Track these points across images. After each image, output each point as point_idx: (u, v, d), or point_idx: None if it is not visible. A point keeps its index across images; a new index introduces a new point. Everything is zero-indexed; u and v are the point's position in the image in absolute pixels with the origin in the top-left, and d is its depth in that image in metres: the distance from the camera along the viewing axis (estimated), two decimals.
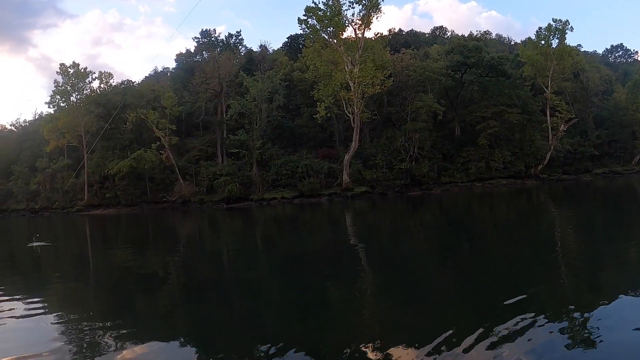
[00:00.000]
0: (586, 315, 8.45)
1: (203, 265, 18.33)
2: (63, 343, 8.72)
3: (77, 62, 72.28)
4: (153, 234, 34.86)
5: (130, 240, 30.65)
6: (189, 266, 18.30)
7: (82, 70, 71.06)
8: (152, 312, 11.29)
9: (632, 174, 64.67)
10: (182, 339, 8.82)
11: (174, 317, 10.83)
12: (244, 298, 12.27)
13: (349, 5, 52.03)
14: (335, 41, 52.92)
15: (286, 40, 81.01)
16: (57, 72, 71.07)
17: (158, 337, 8.97)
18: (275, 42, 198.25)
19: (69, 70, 70.42)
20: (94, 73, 71.87)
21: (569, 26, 60.89)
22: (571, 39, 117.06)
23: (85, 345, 8.63)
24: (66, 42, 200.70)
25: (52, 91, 71.71)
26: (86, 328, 9.83)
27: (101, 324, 10.06)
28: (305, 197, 51.78)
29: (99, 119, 66.43)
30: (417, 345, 7.60)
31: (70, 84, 70.53)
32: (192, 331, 9.58)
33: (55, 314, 11.08)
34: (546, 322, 8.26)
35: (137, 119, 59.68)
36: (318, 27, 53.03)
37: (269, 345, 8.13)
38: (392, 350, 7.47)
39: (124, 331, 9.40)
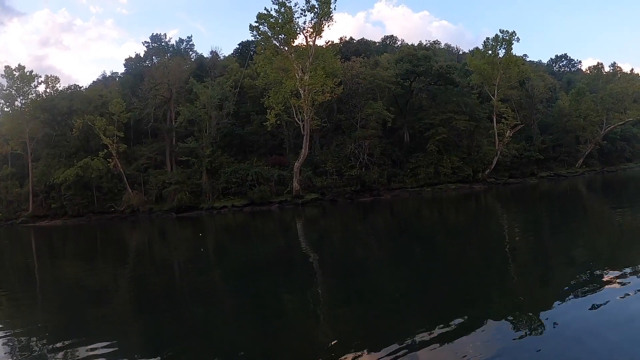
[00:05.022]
0: (535, 314, 8.93)
1: (154, 276, 18.16)
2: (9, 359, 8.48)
3: (22, 63, 69.43)
4: (101, 246, 34.14)
5: (78, 253, 29.93)
6: (139, 278, 18.11)
7: (28, 74, 68.06)
8: (103, 325, 11.15)
9: (576, 176, 67.81)
10: (134, 352, 8.74)
11: (126, 330, 10.74)
12: (197, 309, 12.25)
13: (301, 13, 52.18)
14: (287, 48, 52.95)
15: (237, 46, 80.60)
16: (1, 75, 68.02)
17: (109, 351, 8.82)
18: (227, 49, 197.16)
19: (14, 73, 67.25)
20: (40, 77, 68.81)
21: (516, 37, 63.25)
22: (517, 49, 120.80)
23: None
24: (12, 42, 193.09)
25: None
26: (34, 344, 9.62)
27: (49, 339, 9.87)
28: (255, 204, 51.52)
29: (45, 125, 64.00)
30: (372, 350, 7.78)
31: (15, 88, 67.50)
32: (144, 344, 9.48)
33: (1, 331, 10.76)
34: (498, 321, 8.64)
35: (84, 125, 57.82)
36: (270, 34, 52.88)
37: (224, 355, 8.12)
38: (347, 357, 7.61)
39: (74, 347, 9.23)
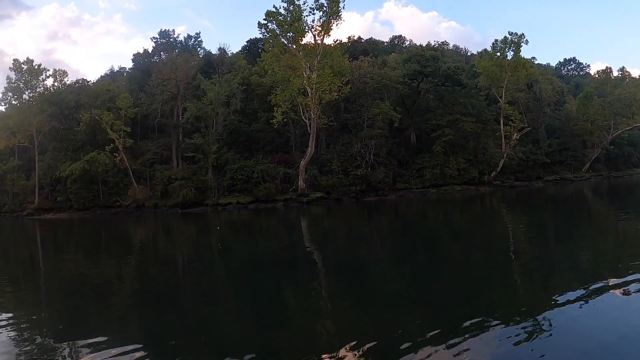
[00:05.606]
0: (538, 316, 8.86)
1: (158, 272, 18.19)
2: (13, 353, 8.50)
3: (31, 57, 69.95)
4: (106, 240, 34.12)
5: (83, 247, 29.96)
6: (144, 273, 18.13)
7: (36, 67, 68.45)
8: (106, 320, 11.14)
9: (583, 180, 67.43)
10: (137, 348, 8.67)
11: (129, 325, 10.73)
12: (200, 304, 12.24)
13: (310, 12, 52.16)
14: (295, 46, 52.95)
15: (245, 44, 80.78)
16: (10, 68, 68.31)
17: (112, 346, 8.79)
18: (235, 46, 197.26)
19: (23, 66, 67.61)
20: (48, 70, 69.38)
21: (524, 39, 62.96)
22: (526, 52, 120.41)
23: (36, 356, 8.45)
24: (21, 36, 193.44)
25: (4, 88, 69.00)
26: (36, 336, 9.65)
27: (53, 334, 9.88)
28: (260, 202, 51.50)
29: (52, 119, 64.43)
30: (374, 350, 7.76)
31: (23, 81, 67.83)
32: (147, 339, 9.45)
33: (5, 323, 10.73)
34: (500, 324, 8.60)
35: (91, 119, 58.01)
36: (278, 31, 52.96)
37: (226, 351, 8.13)
38: (349, 356, 7.59)
39: (77, 341, 9.23)
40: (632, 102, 73.00)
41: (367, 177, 54.47)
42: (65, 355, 8.41)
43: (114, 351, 8.41)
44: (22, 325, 10.59)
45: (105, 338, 9.28)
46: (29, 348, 8.80)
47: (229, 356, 8.00)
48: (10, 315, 11.55)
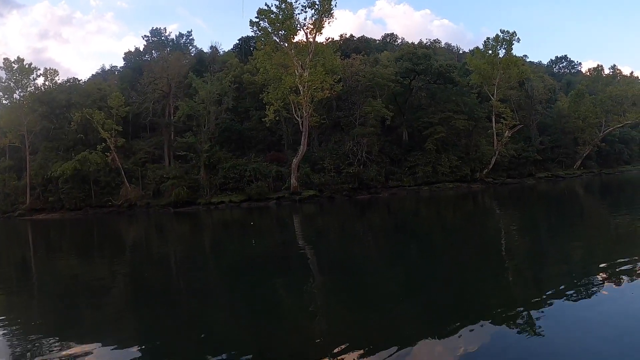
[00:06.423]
0: (531, 313, 8.88)
1: (151, 271, 18.08)
2: (5, 354, 8.46)
3: (21, 56, 69.58)
4: (98, 240, 33.85)
5: (76, 247, 29.74)
6: (136, 273, 18.03)
7: (27, 66, 67.86)
8: (99, 319, 11.08)
9: (574, 177, 67.78)
10: (130, 348, 8.66)
11: (122, 325, 10.66)
12: (194, 304, 12.19)
13: (302, 9, 52.19)
14: (287, 44, 52.85)
15: (237, 42, 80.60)
16: (0, 67, 68.02)
17: (106, 345, 8.78)
18: (227, 44, 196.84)
19: (13, 65, 67.03)
20: (39, 69, 68.71)
21: (516, 37, 63.24)
22: (517, 50, 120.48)
23: (29, 355, 8.42)
24: (11, 34, 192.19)
25: None
26: (31, 337, 9.56)
27: (46, 334, 9.80)
28: (253, 200, 51.41)
29: (43, 118, 63.97)
30: (368, 348, 7.74)
31: (13, 80, 67.29)
32: (141, 339, 9.40)
33: None
34: (494, 321, 8.63)
35: (82, 119, 57.63)
36: (270, 29, 52.81)
37: (219, 351, 8.11)
38: (343, 355, 7.56)
39: (71, 340, 9.18)
40: (623, 100, 73.55)
41: (359, 175, 54.53)
42: (59, 356, 8.35)
43: (109, 351, 8.42)
44: (13, 326, 10.51)
45: (99, 337, 9.26)
46: (21, 349, 8.77)
47: (223, 355, 7.98)
48: (1, 316, 11.47)
